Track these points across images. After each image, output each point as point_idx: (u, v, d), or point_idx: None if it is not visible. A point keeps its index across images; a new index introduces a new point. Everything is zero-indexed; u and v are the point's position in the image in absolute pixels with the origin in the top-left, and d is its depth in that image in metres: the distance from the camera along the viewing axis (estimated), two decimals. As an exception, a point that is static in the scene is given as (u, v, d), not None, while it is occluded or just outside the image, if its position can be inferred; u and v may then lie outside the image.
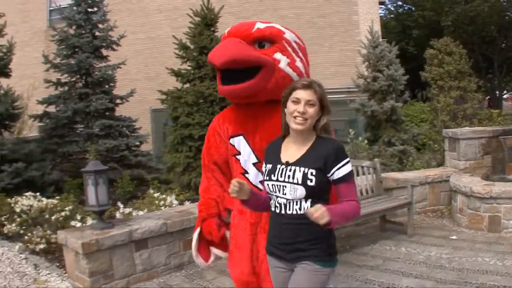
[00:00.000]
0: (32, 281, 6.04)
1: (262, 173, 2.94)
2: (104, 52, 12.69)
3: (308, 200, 2.70)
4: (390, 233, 7.91)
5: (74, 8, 12.73)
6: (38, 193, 8.34)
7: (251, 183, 3.35)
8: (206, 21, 9.74)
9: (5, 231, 7.51)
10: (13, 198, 8.07)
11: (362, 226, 8.34)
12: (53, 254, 6.81)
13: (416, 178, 8.97)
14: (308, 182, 2.65)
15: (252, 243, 3.46)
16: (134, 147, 12.00)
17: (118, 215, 7.38)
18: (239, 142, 3.46)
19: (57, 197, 8.49)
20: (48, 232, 6.99)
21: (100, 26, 12.73)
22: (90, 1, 12.58)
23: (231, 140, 3.51)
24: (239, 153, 3.46)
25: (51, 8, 20.01)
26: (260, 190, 3.28)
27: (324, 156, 2.70)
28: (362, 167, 8.15)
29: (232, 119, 3.58)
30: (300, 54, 3.56)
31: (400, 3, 33.21)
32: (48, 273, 6.28)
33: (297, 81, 2.86)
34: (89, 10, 12.64)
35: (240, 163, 3.46)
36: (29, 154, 10.25)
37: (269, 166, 2.84)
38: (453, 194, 8.57)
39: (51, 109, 12.23)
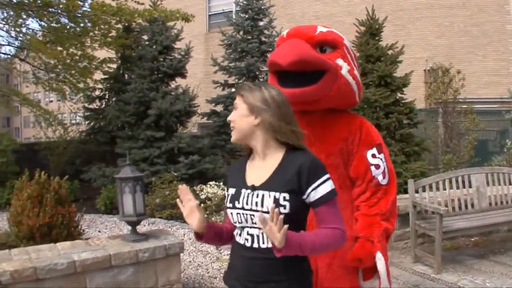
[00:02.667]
0: (215, 259, 6.74)
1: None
2: (269, 56, 13.42)
3: None
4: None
5: (241, 14, 13.57)
6: (221, 183, 9.12)
7: None
8: (372, 31, 10.06)
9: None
10: (199, 186, 8.90)
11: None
12: (232, 238, 7.51)
13: None
14: (282, 210, 2.12)
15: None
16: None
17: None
18: None
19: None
20: (230, 217, 7.71)
21: (266, 32, 13.46)
22: (256, 9, 13.36)
23: None
24: None
25: (210, 13, 21.23)
26: None
27: (296, 173, 2.19)
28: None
29: None
30: (355, 62, 3.29)
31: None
32: (228, 254, 6.94)
33: None
34: (256, 17, 13.41)
35: None
36: (202, 148, 11.17)
37: (233, 190, 2.33)
38: None
39: (218, 108, 13.18)
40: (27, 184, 6.19)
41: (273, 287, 2.22)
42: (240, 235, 2.31)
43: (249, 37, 13.29)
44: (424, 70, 16.28)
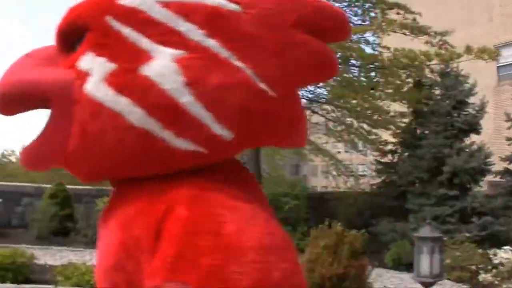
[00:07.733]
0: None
1: None
2: None
3: None
4: None
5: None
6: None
7: None
8: None
9: (480, 279, 8.03)
10: (492, 250, 8.57)
11: None
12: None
13: None
14: None
15: None
16: None
17: None
18: None
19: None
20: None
21: None
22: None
23: None
24: None
25: (498, 65, 20.05)
26: None
27: None
28: None
29: None
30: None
31: None
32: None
33: None
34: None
35: None
36: (494, 208, 10.73)
37: None
38: None
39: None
40: (323, 234, 6.51)
41: None
42: None
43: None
44: None
